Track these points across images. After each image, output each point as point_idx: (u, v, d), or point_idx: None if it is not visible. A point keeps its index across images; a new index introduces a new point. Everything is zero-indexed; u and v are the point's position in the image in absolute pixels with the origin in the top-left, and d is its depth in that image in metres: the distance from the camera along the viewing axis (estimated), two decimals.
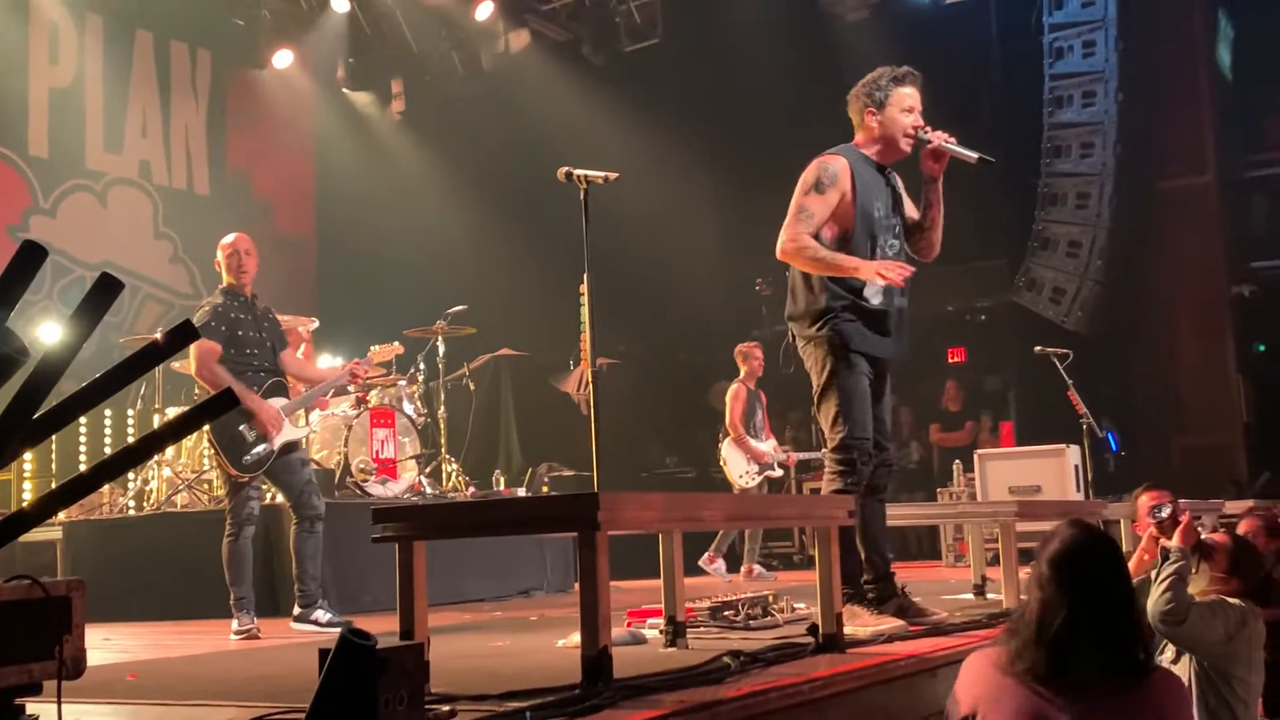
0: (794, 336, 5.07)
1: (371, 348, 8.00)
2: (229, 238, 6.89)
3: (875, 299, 4.87)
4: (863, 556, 4.93)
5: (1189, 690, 3.27)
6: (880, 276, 4.71)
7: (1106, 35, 13.38)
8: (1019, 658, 3.05)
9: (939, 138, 4.89)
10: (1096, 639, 3.00)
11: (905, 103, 4.94)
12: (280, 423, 6.58)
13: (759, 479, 10.43)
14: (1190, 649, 4.50)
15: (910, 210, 5.16)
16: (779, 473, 10.67)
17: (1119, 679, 3.00)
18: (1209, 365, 14.18)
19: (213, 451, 7.05)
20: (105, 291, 2.06)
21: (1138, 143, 13.81)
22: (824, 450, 4.97)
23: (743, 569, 10.35)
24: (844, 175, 4.85)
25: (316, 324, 9.39)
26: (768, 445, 10.55)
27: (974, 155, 4.90)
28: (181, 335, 2.16)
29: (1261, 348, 14.25)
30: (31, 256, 1.99)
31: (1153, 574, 4.51)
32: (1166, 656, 4.59)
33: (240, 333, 6.67)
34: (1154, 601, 4.39)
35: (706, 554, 10.24)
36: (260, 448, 6.53)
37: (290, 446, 6.71)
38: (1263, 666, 4.52)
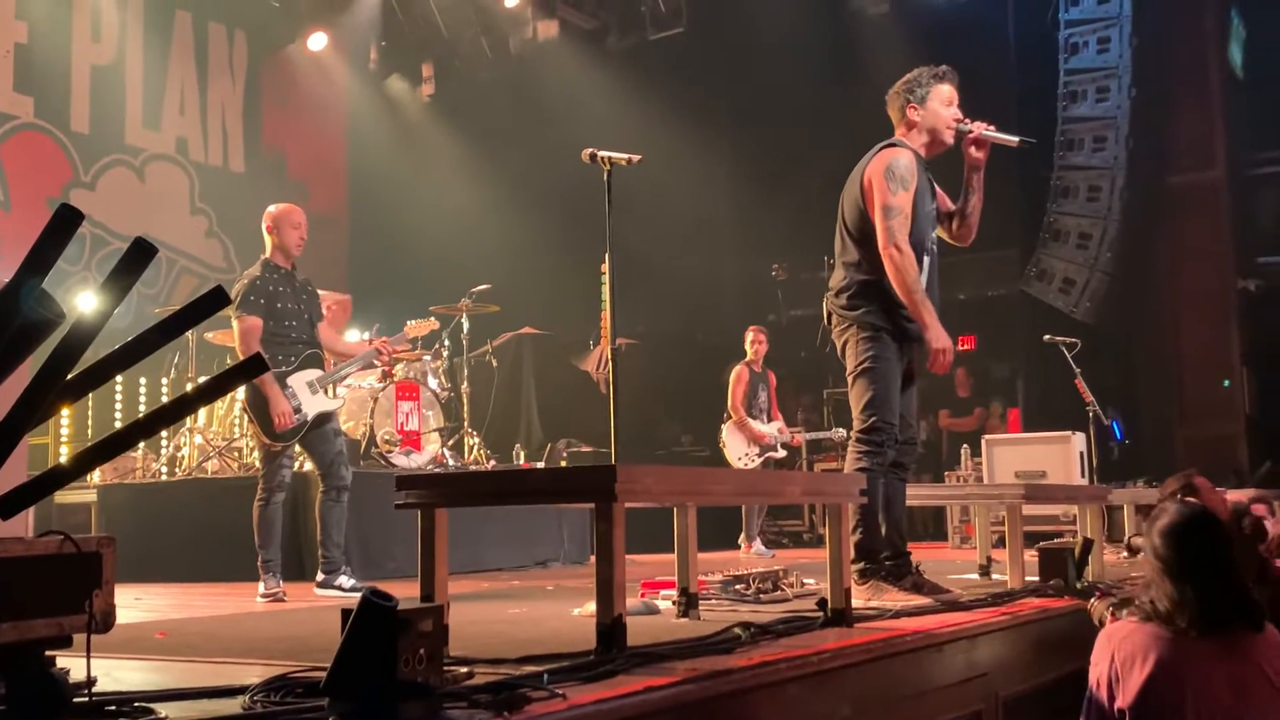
0: (829, 315, 5.11)
1: (407, 322, 8.13)
2: (279, 206, 6.81)
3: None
4: (883, 533, 4.95)
5: None
6: (936, 361, 4.83)
7: (1121, 32, 13.57)
8: (1174, 618, 3.38)
9: (980, 127, 4.96)
10: (1227, 594, 3.39)
11: (945, 97, 5.00)
12: (290, 420, 6.53)
13: (758, 461, 10.36)
14: None
15: (942, 201, 5.22)
16: (782, 453, 10.59)
17: (1250, 628, 3.39)
18: (1214, 358, 14.31)
19: (249, 421, 7.01)
20: (139, 255, 2.06)
21: (1149, 138, 13.97)
22: (852, 430, 4.97)
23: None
24: (912, 172, 4.87)
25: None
26: (771, 427, 10.48)
27: (1015, 139, 5.00)
28: (214, 300, 2.19)
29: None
30: (68, 221, 1.98)
31: None
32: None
33: (279, 305, 6.63)
34: None
35: (743, 545, 10.35)
36: (294, 419, 6.59)
37: (325, 417, 6.72)
38: None
